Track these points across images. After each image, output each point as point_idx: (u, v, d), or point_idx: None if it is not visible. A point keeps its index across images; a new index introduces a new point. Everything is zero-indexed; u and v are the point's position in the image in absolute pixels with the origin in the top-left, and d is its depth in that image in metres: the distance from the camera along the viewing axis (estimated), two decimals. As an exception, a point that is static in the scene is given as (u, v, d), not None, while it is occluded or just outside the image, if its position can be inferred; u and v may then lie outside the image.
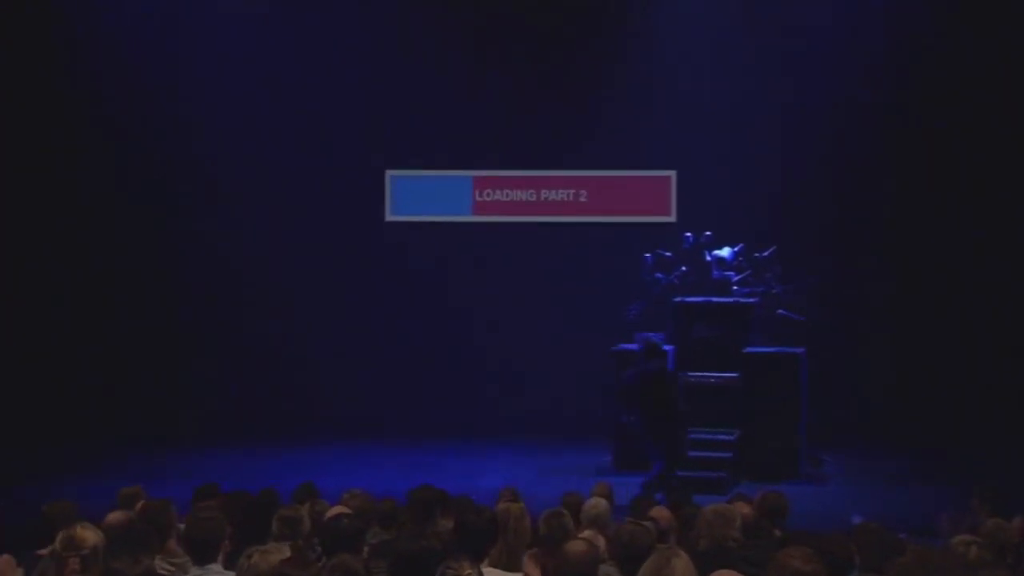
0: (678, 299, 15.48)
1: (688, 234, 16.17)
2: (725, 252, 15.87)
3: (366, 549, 6.40)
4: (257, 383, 18.71)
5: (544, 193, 18.85)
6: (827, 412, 16.02)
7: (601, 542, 6.72)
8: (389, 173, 19.12)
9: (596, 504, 7.39)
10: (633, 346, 15.27)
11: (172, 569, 6.19)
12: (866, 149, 17.82)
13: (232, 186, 18.81)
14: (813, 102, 17.70)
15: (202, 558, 6.13)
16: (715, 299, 15.24)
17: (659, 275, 16.00)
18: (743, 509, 7.37)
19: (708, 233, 16.03)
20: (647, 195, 18.59)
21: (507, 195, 18.89)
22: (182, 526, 6.49)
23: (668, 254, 16.14)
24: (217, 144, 18.58)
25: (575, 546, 5.59)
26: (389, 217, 19.16)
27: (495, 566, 6.23)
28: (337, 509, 7.53)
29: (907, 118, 17.60)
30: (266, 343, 18.89)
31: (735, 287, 15.56)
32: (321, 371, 18.72)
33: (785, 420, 14.54)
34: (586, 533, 6.94)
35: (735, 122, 17.83)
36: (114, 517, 6.82)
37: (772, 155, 17.77)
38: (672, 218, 18.27)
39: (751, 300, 15.40)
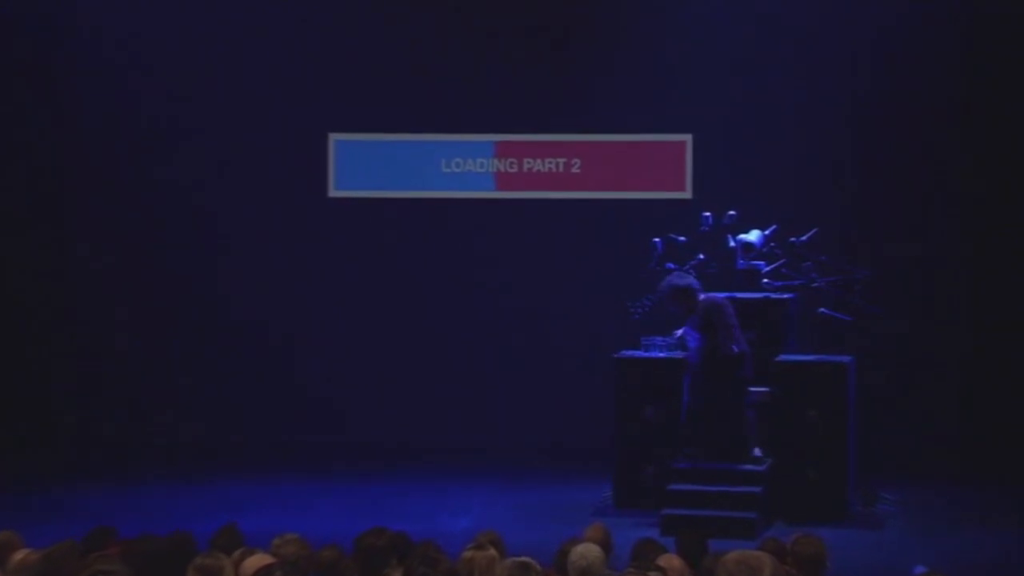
0: (695, 294, 15.49)
1: (707, 214, 16.14)
2: (753, 236, 15.85)
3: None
4: (165, 397, 18.67)
5: (527, 163, 18.83)
6: (882, 436, 16.03)
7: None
8: (333, 137, 19.08)
9: (587, 552, 7.36)
10: (640, 352, 15.31)
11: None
12: (933, 108, 17.83)
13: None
14: (868, 47, 17.74)
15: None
16: (740, 294, 15.23)
17: (671, 265, 15.98)
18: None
19: (732, 212, 16.00)
20: (656, 165, 18.59)
21: (481, 166, 18.88)
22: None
23: (682, 239, 16.12)
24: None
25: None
26: (333, 192, 19.11)
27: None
28: (265, 559, 7.51)
29: (984, 69, 17.64)
30: (178, 348, 18.86)
31: (765, 280, 15.56)
32: (249, 383, 18.69)
33: (829, 446, 14.54)
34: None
35: (766, 74, 17.86)
36: None
37: (813, 114, 17.79)
38: (687, 194, 18.29)
39: (786, 296, 15.40)
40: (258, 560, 7.60)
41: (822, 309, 15.42)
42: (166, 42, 18.69)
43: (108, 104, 18.75)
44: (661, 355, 15.20)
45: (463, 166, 18.90)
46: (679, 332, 14.83)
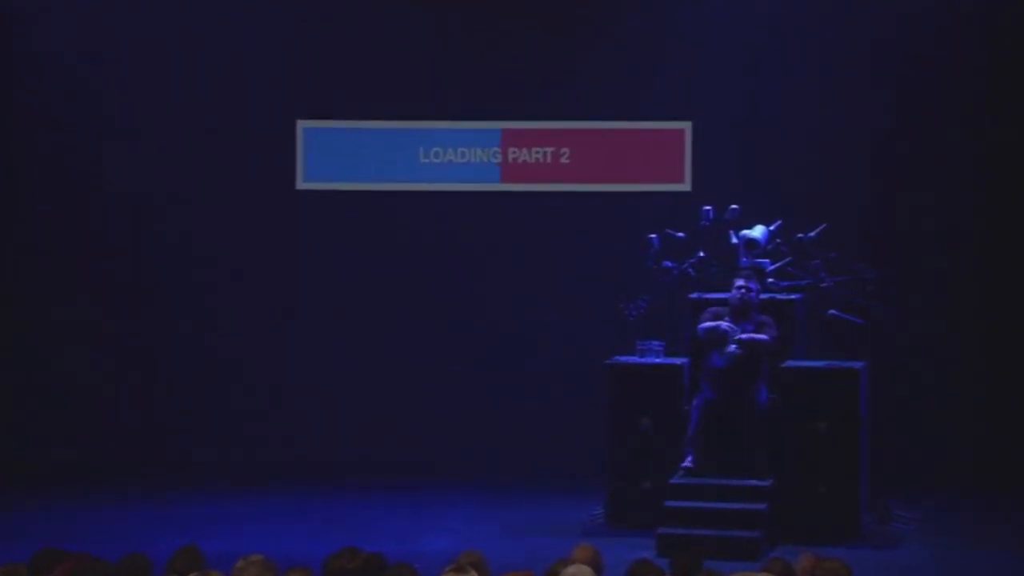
0: (694, 295, 15.48)
1: (707, 208, 16.17)
2: (757, 232, 15.86)
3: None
4: (120, 408, 18.64)
5: (512, 152, 18.82)
6: (897, 448, 16.04)
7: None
8: (301, 125, 19.05)
9: (578, 574, 7.38)
10: (635, 358, 15.30)
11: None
12: (948, 93, 17.86)
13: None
14: (875, 35, 17.78)
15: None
16: (744, 295, 15.24)
17: (668, 263, 16.00)
18: None
19: (734, 207, 16.03)
20: (652, 155, 18.59)
21: (462, 155, 18.85)
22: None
23: (680, 234, 16.14)
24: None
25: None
26: (302, 184, 19.08)
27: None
28: (228, 582, 7.51)
29: (994, 63, 17.68)
30: (134, 356, 18.82)
31: (771, 279, 15.58)
32: (211, 391, 18.65)
33: (839, 459, 14.55)
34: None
35: (770, 58, 17.87)
36: None
37: (821, 102, 17.81)
38: (686, 186, 18.30)
39: (793, 296, 15.42)
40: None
41: (832, 311, 15.44)
42: (123, 25, 18.66)
43: (62, 92, 18.71)
44: (658, 361, 15.20)
45: (442, 156, 18.86)
46: (711, 324, 14.71)
